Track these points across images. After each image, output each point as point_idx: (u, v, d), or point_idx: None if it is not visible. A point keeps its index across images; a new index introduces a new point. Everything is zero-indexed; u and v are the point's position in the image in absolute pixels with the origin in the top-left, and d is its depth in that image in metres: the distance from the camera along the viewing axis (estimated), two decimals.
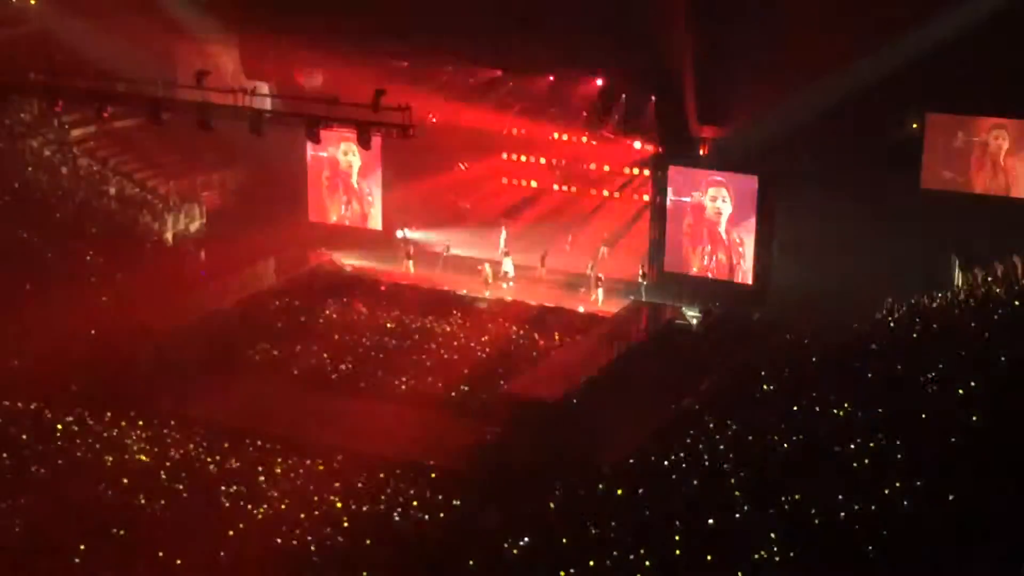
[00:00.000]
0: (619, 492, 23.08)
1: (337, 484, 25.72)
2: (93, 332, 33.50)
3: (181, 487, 25.60)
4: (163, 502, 24.69)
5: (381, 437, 29.27)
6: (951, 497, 19.15)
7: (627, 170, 42.51)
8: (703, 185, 38.03)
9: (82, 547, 22.37)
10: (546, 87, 41.96)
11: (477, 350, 34.72)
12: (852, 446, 22.35)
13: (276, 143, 36.72)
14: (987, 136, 37.95)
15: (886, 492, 20.04)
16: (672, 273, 38.83)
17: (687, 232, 38.51)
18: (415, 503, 24.97)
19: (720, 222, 37.89)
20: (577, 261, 40.80)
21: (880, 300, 33.26)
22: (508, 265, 40.48)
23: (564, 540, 21.00)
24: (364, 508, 24.68)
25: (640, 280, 38.78)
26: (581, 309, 37.92)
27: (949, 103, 37.69)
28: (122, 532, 23.17)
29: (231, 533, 23.08)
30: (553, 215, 43.43)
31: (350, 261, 42.57)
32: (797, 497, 20.57)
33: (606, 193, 43.41)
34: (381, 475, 26.51)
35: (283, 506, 24.68)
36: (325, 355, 34.14)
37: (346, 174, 43.99)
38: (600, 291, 38.67)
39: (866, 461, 21.61)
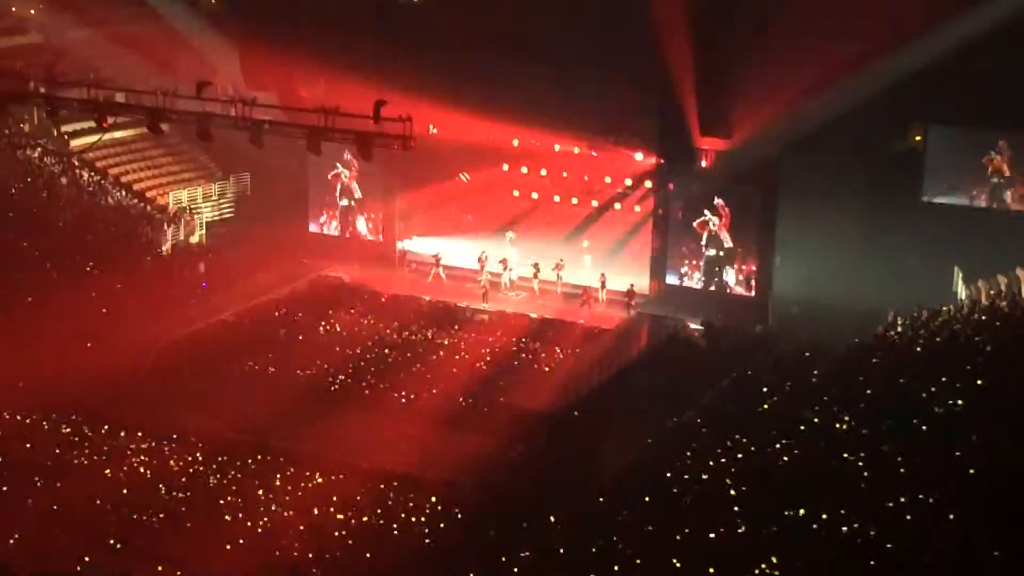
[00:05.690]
0: (620, 505, 22.94)
1: (336, 497, 25.60)
2: (91, 344, 33.43)
3: (180, 499, 25.51)
4: (162, 515, 24.60)
5: (381, 449, 29.18)
6: (956, 512, 19.00)
7: (629, 182, 42.33)
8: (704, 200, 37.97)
9: (87, 559, 22.32)
10: (548, 99, 41.82)
11: (477, 362, 34.59)
12: (855, 460, 22.23)
13: (276, 154, 36.63)
14: (991, 148, 37.88)
15: (890, 506, 19.90)
16: (674, 285, 38.72)
17: (690, 245, 38.42)
18: (415, 516, 24.87)
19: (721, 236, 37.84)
20: (577, 273, 40.69)
21: (882, 313, 33.16)
22: (512, 275, 40.46)
23: (564, 553, 20.88)
24: (364, 520, 24.58)
25: (641, 292, 38.63)
26: (582, 321, 37.81)
27: (952, 115, 37.60)
28: (120, 544, 23.09)
29: (228, 548, 22.99)
30: (554, 227, 43.23)
31: (350, 273, 42.42)
32: (800, 512, 20.45)
33: (613, 205, 43.17)
34: (381, 487, 26.39)
35: (282, 519, 24.57)
36: (325, 367, 34.02)
37: (347, 185, 43.93)
38: (602, 298, 38.64)
39: (869, 475, 21.49)
